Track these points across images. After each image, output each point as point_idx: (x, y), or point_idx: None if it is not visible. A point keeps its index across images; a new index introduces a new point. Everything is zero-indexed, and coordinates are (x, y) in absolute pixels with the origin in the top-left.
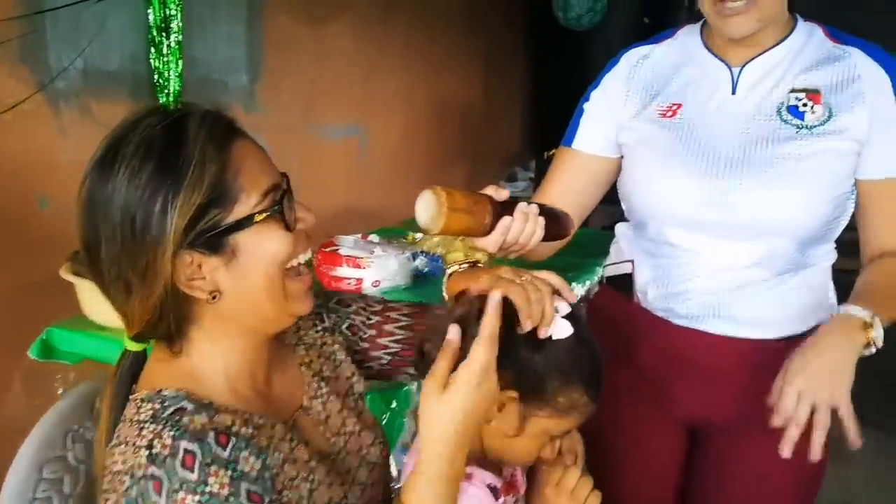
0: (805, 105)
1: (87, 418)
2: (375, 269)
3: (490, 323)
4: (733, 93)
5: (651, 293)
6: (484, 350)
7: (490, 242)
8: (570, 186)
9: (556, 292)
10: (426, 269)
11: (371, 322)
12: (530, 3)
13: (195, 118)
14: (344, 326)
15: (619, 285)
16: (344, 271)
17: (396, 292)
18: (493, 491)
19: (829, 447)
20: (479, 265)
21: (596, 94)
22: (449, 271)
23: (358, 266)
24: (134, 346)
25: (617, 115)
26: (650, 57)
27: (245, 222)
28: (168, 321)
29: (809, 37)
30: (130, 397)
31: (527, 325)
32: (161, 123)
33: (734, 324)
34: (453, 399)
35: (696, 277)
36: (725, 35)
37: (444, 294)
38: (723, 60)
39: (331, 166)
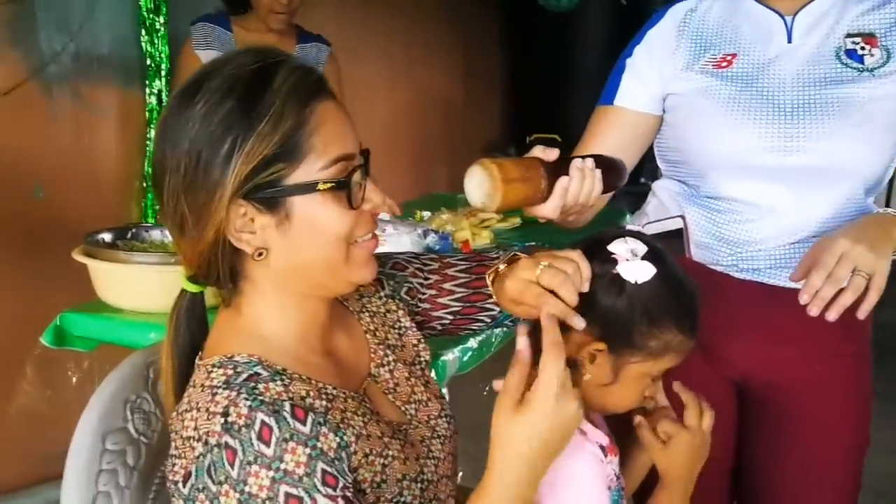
0: (863, 49)
1: (143, 388)
2: (389, 247)
3: (551, 331)
4: (789, 41)
5: (713, 248)
6: (553, 360)
7: (550, 209)
8: (612, 145)
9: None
10: (437, 247)
11: (429, 282)
12: None
13: (287, 68)
14: (403, 291)
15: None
16: None
17: None
18: (602, 450)
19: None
20: (514, 254)
21: (640, 50)
22: (490, 278)
23: None
24: (190, 287)
25: (665, 68)
26: (697, 10)
27: (305, 188)
28: (218, 268)
29: None
30: (198, 362)
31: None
32: (252, 65)
33: None
34: (530, 418)
35: (763, 229)
36: None
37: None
38: (774, 10)
39: None
